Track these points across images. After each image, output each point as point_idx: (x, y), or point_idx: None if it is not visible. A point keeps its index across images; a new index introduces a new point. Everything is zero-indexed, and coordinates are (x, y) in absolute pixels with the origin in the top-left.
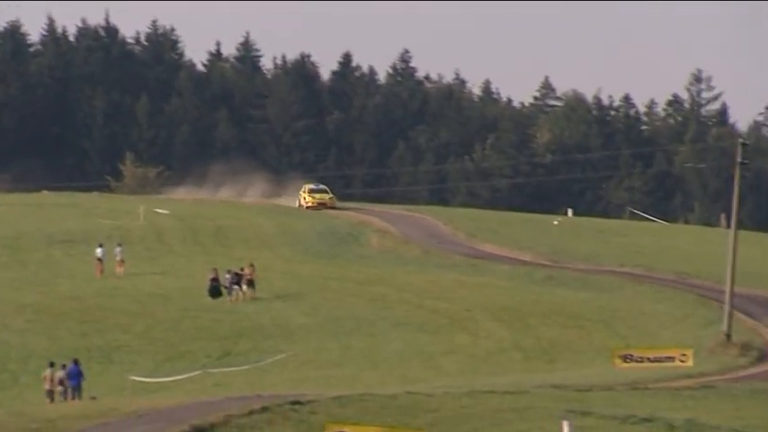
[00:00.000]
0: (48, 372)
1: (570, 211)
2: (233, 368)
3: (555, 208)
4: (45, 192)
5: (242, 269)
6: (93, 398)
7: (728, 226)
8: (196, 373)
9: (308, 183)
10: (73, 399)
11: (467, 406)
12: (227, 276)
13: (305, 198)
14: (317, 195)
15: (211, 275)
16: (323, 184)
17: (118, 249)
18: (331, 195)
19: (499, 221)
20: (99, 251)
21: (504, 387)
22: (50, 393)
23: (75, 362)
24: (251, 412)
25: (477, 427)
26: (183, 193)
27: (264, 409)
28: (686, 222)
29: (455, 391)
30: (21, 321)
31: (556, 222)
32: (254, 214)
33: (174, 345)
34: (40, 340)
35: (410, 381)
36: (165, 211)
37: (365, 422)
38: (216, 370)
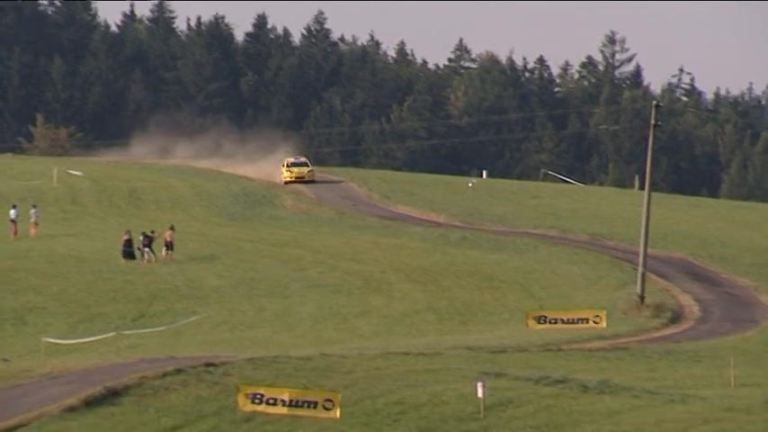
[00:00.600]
0: None
1: (485, 173)
2: (147, 330)
3: (470, 170)
4: None
5: (152, 231)
6: (6, 359)
7: (642, 188)
8: (110, 334)
9: (288, 156)
10: None
11: (381, 367)
12: (141, 238)
13: (283, 173)
14: (296, 169)
15: (125, 237)
16: (302, 156)
17: (33, 211)
18: (310, 168)
19: (414, 183)
20: (12, 212)
21: (418, 349)
22: None
23: None
24: (165, 374)
25: (392, 389)
26: (98, 157)
27: (178, 371)
28: (601, 184)
29: (369, 352)
30: None
31: (470, 184)
32: (168, 176)
33: (89, 306)
34: None
35: (325, 342)
36: (78, 173)
37: (279, 384)
38: (130, 332)
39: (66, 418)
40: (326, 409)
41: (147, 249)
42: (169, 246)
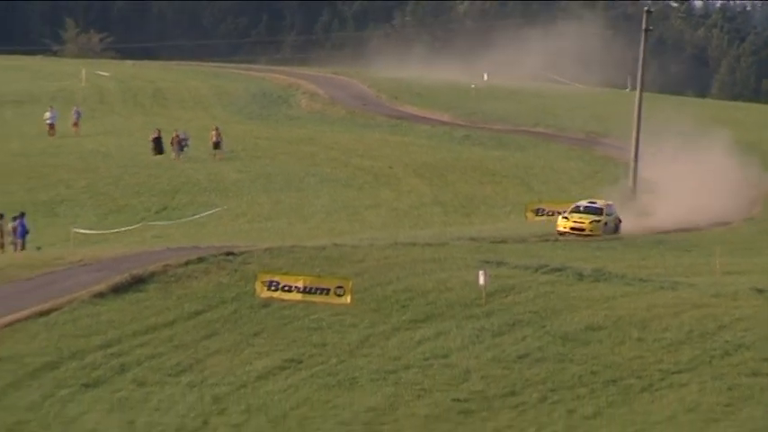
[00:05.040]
0: None
1: (486, 75)
2: (171, 221)
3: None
4: None
5: (175, 130)
6: (38, 248)
7: (634, 88)
8: (136, 225)
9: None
10: (20, 250)
11: (390, 257)
12: (173, 136)
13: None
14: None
15: (154, 135)
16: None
17: (74, 110)
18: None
19: (420, 85)
20: (48, 114)
21: (424, 239)
22: (0, 244)
23: (22, 215)
24: (188, 262)
25: (400, 276)
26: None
27: (200, 260)
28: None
29: (379, 242)
30: None
31: (473, 86)
32: (190, 77)
33: (116, 199)
34: None
35: (337, 233)
36: (106, 74)
37: (295, 272)
38: (155, 223)
39: (95, 303)
40: (338, 295)
41: (178, 147)
42: (216, 145)
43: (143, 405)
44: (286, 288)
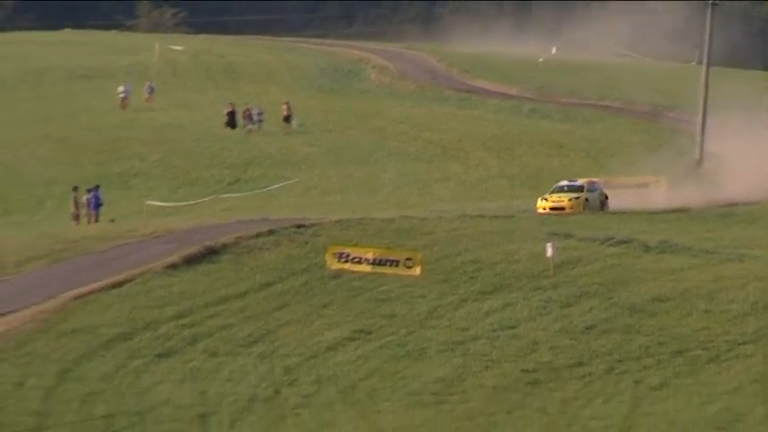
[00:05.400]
0: (73, 195)
1: (554, 49)
2: (242, 193)
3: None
4: (68, 30)
5: (246, 104)
6: (112, 221)
7: (701, 62)
8: (208, 198)
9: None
10: (94, 222)
11: (458, 229)
12: (246, 110)
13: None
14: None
15: (228, 109)
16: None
17: (147, 85)
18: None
19: (490, 59)
20: (122, 89)
21: (492, 212)
22: (76, 216)
23: (96, 187)
24: (259, 234)
25: (468, 248)
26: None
27: (271, 232)
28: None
29: (448, 215)
30: (44, 150)
31: (541, 60)
32: (261, 52)
33: (188, 172)
34: (62, 168)
35: (406, 206)
36: (179, 48)
37: (364, 244)
38: (227, 195)
39: (168, 274)
40: (407, 267)
41: (249, 120)
42: (287, 119)
43: (215, 375)
44: (356, 260)
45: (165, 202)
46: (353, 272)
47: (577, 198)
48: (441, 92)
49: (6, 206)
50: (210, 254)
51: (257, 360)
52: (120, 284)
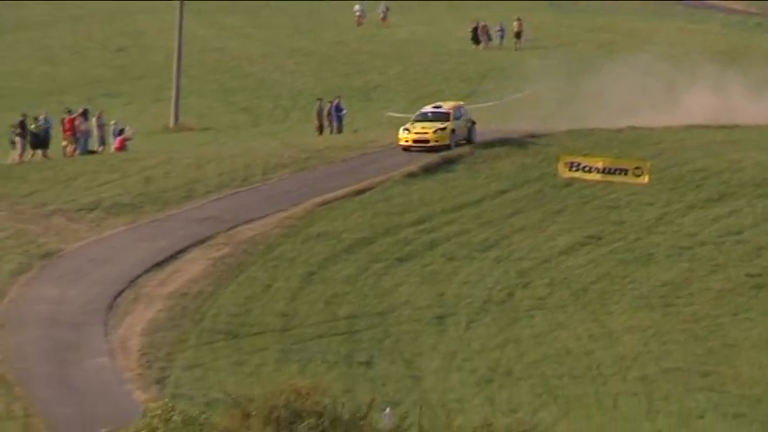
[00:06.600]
0: (317, 106)
1: None
2: (477, 105)
3: None
4: None
5: (476, 21)
6: (355, 131)
7: None
8: None
9: None
10: (337, 132)
11: (685, 139)
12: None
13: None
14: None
15: (473, 25)
16: None
17: (382, 5)
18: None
19: None
20: (357, 7)
21: (718, 122)
22: (320, 127)
23: (338, 98)
24: (494, 144)
25: (695, 157)
26: None
27: (505, 142)
28: None
29: (674, 125)
30: (291, 63)
31: None
32: None
33: (426, 85)
34: (307, 80)
35: (634, 117)
36: None
37: (595, 153)
38: None
39: (406, 183)
40: (636, 175)
41: (486, 37)
42: (518, 35)
43: (452, 278)
44: (586, 168)
45: (404, 113)
46: (584, 180)
47: (443, 129)
48: (670, 6)
49: (255, 117)
50: (447, 163)
51: (492, 264)
52: (361, 192)
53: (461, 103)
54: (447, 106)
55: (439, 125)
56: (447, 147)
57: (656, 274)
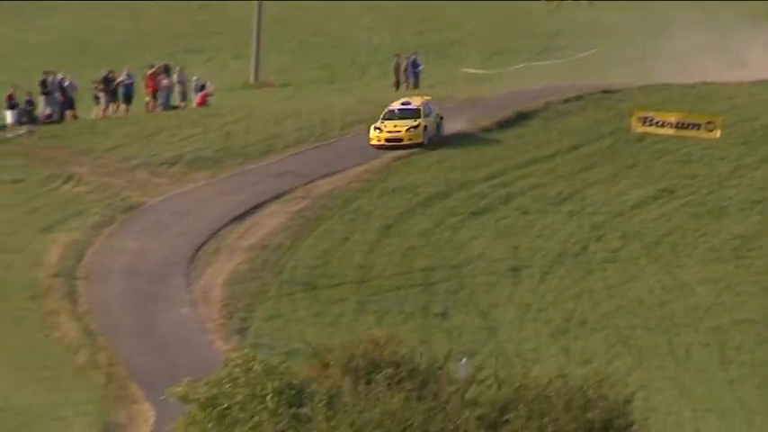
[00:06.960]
0: (394, 62)
1: None
2: (551, 62)
3: None
4: None
5: None
6: (431, 86)
7: None
8: (519, 66)
9: None
10: (413, 88)
11: (757, 94)
12: None
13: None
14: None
15: None
16: None
17: None
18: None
19: None
20: None
21: None
22: (396, 82)
23: (414, 54)
24: (567, 100)
25: (767, 112)
26: None
27: (579, 98)
28: None
29: (747, 80)
30: (368, 20)
31: None
32: None
33: (500, 42)
34: (384, 37)
35: (706, 73)
36: None
37: (667, 108)
38: (536, 63)
39: (480, 138)
40: (708, 130)
41: None
42: None
43: (526, 231)
44: (659, 123)
45: (479, 69)
46: (657, 135)
47: (416, 127)
48: None
49: (332, 74)
50: (521, 118)
51: (566, 217)
52: (438, 147)
53: (429, 98)
54: (416, 102)
55: (411, 122)
56: (420, 144)
57: (728, 226)
